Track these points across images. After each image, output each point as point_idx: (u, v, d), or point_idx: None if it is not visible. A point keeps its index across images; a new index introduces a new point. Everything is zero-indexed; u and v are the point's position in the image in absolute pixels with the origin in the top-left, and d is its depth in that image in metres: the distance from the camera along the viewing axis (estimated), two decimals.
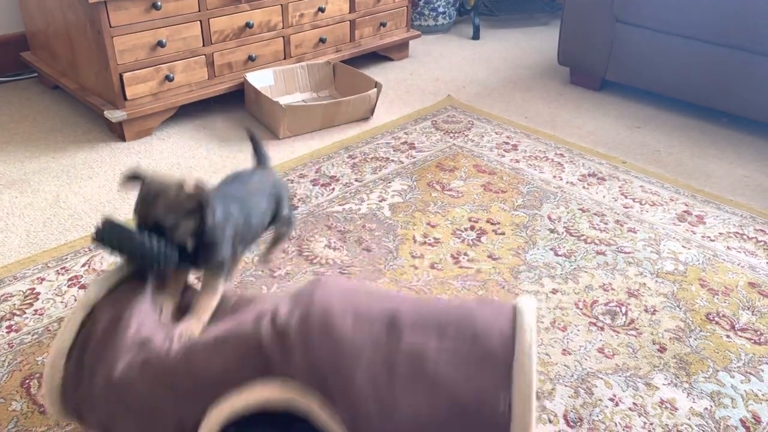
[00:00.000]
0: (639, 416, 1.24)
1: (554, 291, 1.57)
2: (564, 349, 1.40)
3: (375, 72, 2.87)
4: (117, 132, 2.25)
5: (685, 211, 1.91)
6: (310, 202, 1.92)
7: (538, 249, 1.72)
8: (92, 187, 1.97)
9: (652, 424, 1.23)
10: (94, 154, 2.16)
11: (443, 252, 1.71)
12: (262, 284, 1.59)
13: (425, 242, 1.75)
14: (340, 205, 1.91)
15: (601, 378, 1.33)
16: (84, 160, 2.12)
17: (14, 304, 1.50)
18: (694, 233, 1.81)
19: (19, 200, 1.90)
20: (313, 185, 2.01)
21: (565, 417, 1.24)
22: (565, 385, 1.31)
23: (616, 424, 1.23)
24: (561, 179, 2.06)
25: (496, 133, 2.36)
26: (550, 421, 1.23)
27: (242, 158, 2.16)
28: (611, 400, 1.28)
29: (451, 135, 2.34)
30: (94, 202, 1.89)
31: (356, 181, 2.03)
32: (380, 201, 1.93)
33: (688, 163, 2.20)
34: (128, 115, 2.17)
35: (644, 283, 1.60)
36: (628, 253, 1.71)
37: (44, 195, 1.92)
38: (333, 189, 1.99)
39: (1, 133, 2.27)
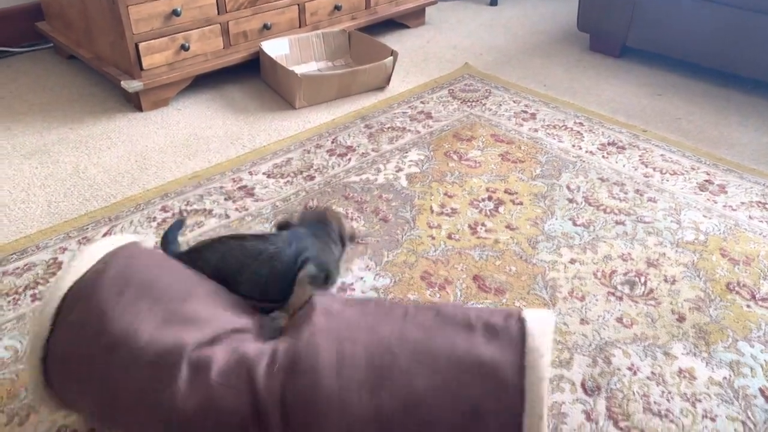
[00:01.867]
0: (657, 385, 1.25)
1: (572, 261, 1.56)
2: (582, 319, 1.40)
3: (391, 40, 2.84)
4: (134, 102, 2.25)
5: (706, 180, 1.88)
6: (326, 173, 1.91)
7: (556, 219, 1.71)
8: (111, 158, 1.98)
9: (670, 392, 1.23)
10: (112, 125, 2.16)
11: (461, 222, 1.71)
12: None
13: (442, 212, 1.74)
14: (356, 175, 1.90)
15: (620, 347, 1.33)
16: (102, 130, 2.13)
17: (38, 274, 1.53)
18: (716, 203, 1.78)
19: (40, 171, 1.91)
20: (330, 155, 2.00)
21: (582, 385, 1.25)
22: (583, 354, 1.31)
23: (634, 392, 1.23)
24: (580, 148, 2.04)
25: (514, 102, 2.33)
26: (568, 390, 1.24)
27: (258, 128, 2.15)
28: (629, 369, 1.28)
29: (469, 104, 2.31)
30: (113, 173, 1.91)
31: (373, 151, 2.03)
32: (397, 171, 1.92)
33: (710, 131, 2.16)
34: (145, 86, 2.17)
35: (664, 253, 1.59)
36: (648, 222, 1.70)
37: (64, 166, 1.94)
38: (349, 159, 1.98)
39: (18, 104, 2.29)
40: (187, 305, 1.06)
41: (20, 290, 1.48)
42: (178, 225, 1.39)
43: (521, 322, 0.97)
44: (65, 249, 1.60)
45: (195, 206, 1.77)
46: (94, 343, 0.99)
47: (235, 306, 1.14)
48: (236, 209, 1.76)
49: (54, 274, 1.53)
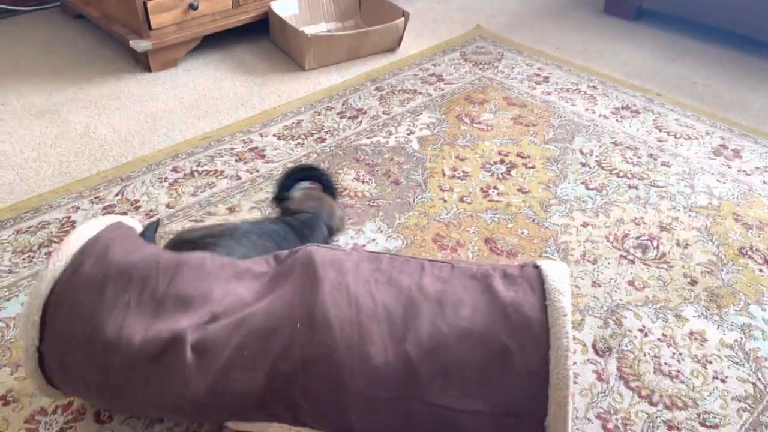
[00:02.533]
0: (668, 347, 1.26)
1: (585, 224, 1.56)
2: (594, 281, 1.40)
3: (401, 1, 2.79)
4: (142, 63, 2.23)
5: (721, 145, 1.86)
6: (337, 135, 1.90)
7: (568, 183, 1.70)
8: (121, 118, 1.97)
9: (681, 354, 1.24)
10: (121, 85, 2.15)
11: (472, 185, 1.70)
12: None
13: (454, 176, 1.74)
14: (367, 138, 1.89)
15: (631, 309, 1.33)
16: (111, 91, 2.12)
17: (51, 232, 1.53)
18: (730, 167, 1.77)
19: (50, 130, 1.91)
20: (341, 118, 1.99)
21: (594, 346, 1.26)
22: (595, 316, 1.32)
23: (645, 354, 1.24)
24: (593, 112, 2.02)
25: (527, 65, 2.29)
26: (580, 351, 1.25)
27: (268, 90, 2.14)
28: (640, 330, 1.29)
29: (481, 66, 2.28)
30: (123, 133, 1.90)
31: (384, 113, 2.01)
32: (408, 134, 1.90)
33: (725, 95, 2.13)
34: (153, 45, 2.14)
35: (677, 217, 1.58)
36: (661, 187, 1.69)
37: (74, 126, 1.93)
38: (360, 122, 1.97)
39: (26, 64, 2.27)
40: (174, 284, 1.00)
41: (35, 248, 1.49)
42: (154, 225, 1.36)
43: (537, 269, 0.98)
44: (78, 208, 1.61)
45: (206, 167, 1.76)
46: (89, 352, 0.96)
47: (230, 270, 1.06)
48: (247, 170, 1.75)
49: (67, 232, 1.54)
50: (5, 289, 1.39)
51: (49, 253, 1.47)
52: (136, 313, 0.97)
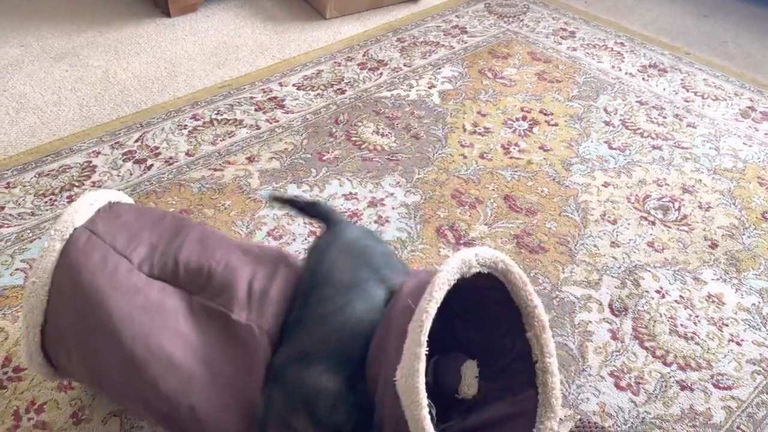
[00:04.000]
0: (685, 308, 1.26)
1: (606, 184, 1.54)
2: (613, 242, 1.40)
3: None
4: (161, 7, 2.19)
5: (749, 107, 1.82)
6: (357, 87, 1.88)
7: (591, 142, 1.68)
8: (140, 64, 1.96)
9: (697, 316, 1.24)
10: (140, 30, 2.12)
11: (493, 142, 1.68)
12: (311, 167, 1.59)
13: (475, 131, 1.72)
14: (388, 90, 1.87)
15: (649, 271, 1.33)
16: (130, 35, 2.09)
17: (73, 176, 1.54)
18: (757, 130, 1.73)
19: (70, 74, 1.90)
20: (361, 69, 1.96)
21: (610, 306, 1.26)
22: (612, 276, 1.32)
23: (661, 314, 1.25)
24: (620, 70, 1.97)
25: (553, 19, 2.23)
26: (596, 309, 1.25)
27: (288, 38, 2.10)
28: (658, 292, 1.29)
29: (505, 19, 2.23)
30: (143, 79, 1.89)
31: (405, 66, 1.98)
32: (429, 87, 1.88)
33: (756, 55, 2.07)
34: None
35: (700, 180, 1.56)
36: (686, 148, 1.66)
37: (94, 70, 1.92)
38: (381, 74, 1.94)
39: (46, 5, 2.24)
40: (181, 249, 1.06)
41: (56, 191, 1.50)
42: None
43: None
44: (98, 153, 1.61)
45: (225, 116, 1.75)
46: (93, 328, 0.99)
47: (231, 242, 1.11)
48: (267, 120, 1.74)
49: (88, 177, 1.55)
50: (28, 231, 1.41)
51: (70, 198, 1.48)
52: (145, 284, 1.02)
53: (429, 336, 1.12)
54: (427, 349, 0.87)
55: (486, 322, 1.06)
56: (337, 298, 0.96)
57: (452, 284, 0.92)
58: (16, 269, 1.33)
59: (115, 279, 1.02)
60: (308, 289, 0.99)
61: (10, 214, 1.44)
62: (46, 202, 1.47)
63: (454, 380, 1.06)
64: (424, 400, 0.84)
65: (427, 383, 1.08)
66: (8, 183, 1.52)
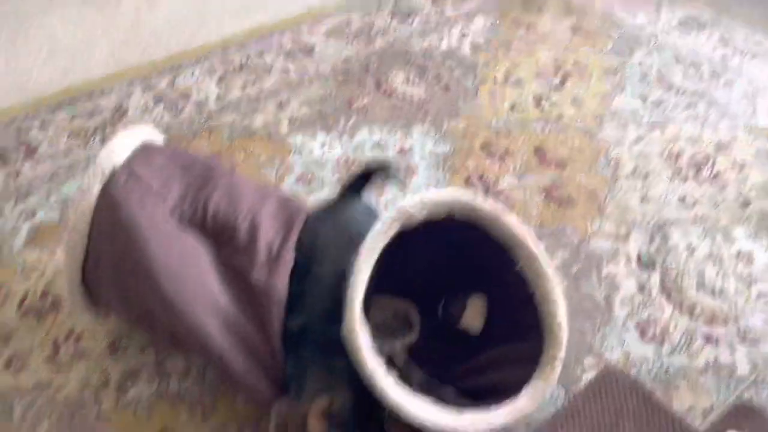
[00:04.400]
0: (713, 265, 1.25)
1: (639, 139, 1.52)
2: (643, 197, 1.39)
3: None
4: None
5: None
6: (387, 36, 1.86)
7: (625, 96, 1.65)
8: (170, 7, 1.94)
9: (726, 273, 1.24)
10: None
11: (525, 94, 1.66)
12: (341, 115, 1.59)
13: (506, 83, 1.69)
14: (419, 40, 1.84)
15: (679, 226, 1.32)
16: None
17: (105, 118, 1.56)
18: None
19: (101, 17, 1.89)
20: (391, 17, 1.93)
21: (638, 259, 1.26)
22: (641, 231, 1.32)
23: (689, 270, 1.24)
24: (656, 24, 1.92)
25: None
26: (623, 263, 1.26)
27: None
28: (687, 248, 1.28)
29: None
30: (173, 23, 1.88)
31: (436, 15, 1.94)
32: (461, 37, 1.85)
33: None
34: None
35: (735, 137, 1.53)
36: (722, 105, 1.63)
37: (124, 12, 1.91)
38: (412, 22, 1.91)
39: None
40: (210, 199, 1.07)
41: (89, 132, 1.52)
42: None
43: None
44: (130, 95, 1.62)
45: (255, 62, 1.75)
46: (131, 269, 1.01)
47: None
48: (296, 68, 1.74)
49: (120, 119, 1.56)
50: (63, 170, 1.43)
51: (103, 139, 1.50)
52: (183, 237, 1.03)
53: (439, 278, 1.13)
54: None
55: (480, 262, 1.07)
56: (331, 275, 0.99)
57: (391, 235, 0.92)
58: (52, 206, 1.36)
59: (152, 223, 1.04)
60: (307, 265, 1.02)
61: (45, 153, 1.47)
62: (79, 143, 1.49)
63: (459, 314, 1.08)
64: (364, 344, 0.85)
65: (435, 321, 1.11)
66: (42, 122, 1.54)
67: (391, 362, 0.93)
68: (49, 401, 1.05)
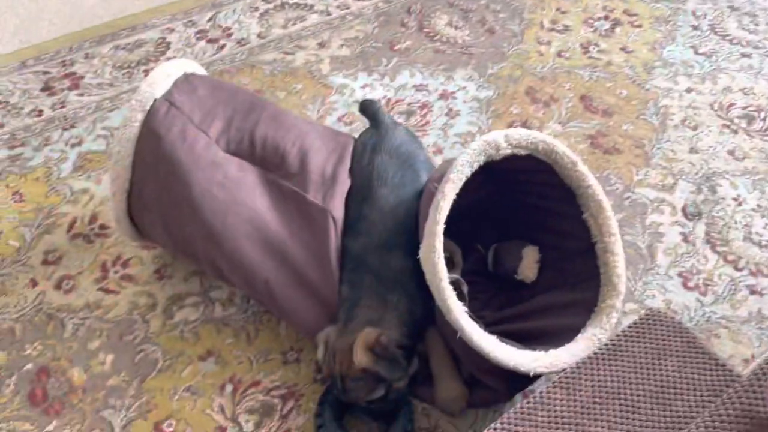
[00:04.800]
0: (762, 217, 1.23)
1: (689, 90, 1.48)
2: (692, 148, 1.36)
3: None
4: None
5: None
6: None
7: (676, 46, 1.60)
8: None
9: None
10: None
11: (572, 40, 1.62)
12: (382, 56, 1.57)
13: (553, 29, 1.65)
14: None
15: (727, 178, 1.30)
16: None
17: (148, 51, 1.56)
18: None
19: None
20: None
21: (683, 210, 1.25)
22: (688, 181, 1.29)
23: (735, 222, 1.22)
24: None
25: None
26: (668, 212, 1.24)
27: None
28: (734, 199, 1.26)
29: None
30: None
31: None
32: None
33: None
34: None
35: None
36: None
37: None
38: None
39: None
40: (256, 126, 1.08)
41: (133, 65, 1.52)
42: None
43: None
44: (172, 30, 1.62)
45: (296, 0, 1.72)
46: (174, 200, 1.03)
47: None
48: (338, 7, 1.71)
49: (163, 53, 1.56)
50: (108, 101, 1.44)
51: (147, 72, 1.50)
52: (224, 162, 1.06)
53: (490, 223, 1.14)
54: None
55: (544, 207, 1.07)
56: (392, 196, 1.02)
57: (476, 166, 0.92)
58: (98, 136, 1.38)
59: (194, 153, 1.05)
60: (365, 187, 1.03)
61: (90, 84, 1.48)
62: (123, 74, 1.50)
63: (513, 263, 1.08)
64: (444, 272, 0.87)
65: (480, 268, 1.12)
66: (87, 54, 1.55)
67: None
68: (99, 321, 1.09)
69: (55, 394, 1.00)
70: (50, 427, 0.96)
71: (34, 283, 1.14)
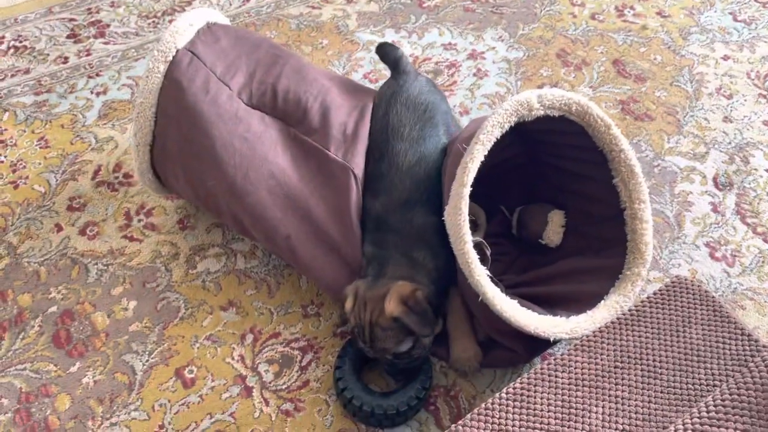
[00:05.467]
0: None
1: (726, 57, 1.44)
2: (726, 117, 1.32)
3: None
4: None
5: None
6: None
7: (715, 11, 1.54)
8: None
9: None
10: None
11: (607, 2, 1.57)
12: (411, 13, 1.54)
13: None
14: None
15: (761, 149, 1.26)
16: None
17: (174, 1, 1.54)
18: None
19: None
20: None
21: (714, 180, 1.22)
22: (721, 151, 1.26)
23: None
24: None
25: None
26: (698, 182, 1.21)
27: None
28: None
29: None
30: None
31: None
32: None
33: None
34: None
35: None
36: None
37: None
38: None
39: None
40: (279, 79, 1.07)
41: (158, 15, 1.50)
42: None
43: None
44: None
45: None
46: (197, 152, 1.03)
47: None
48: None
49: (189, 3, 1.54)
50: (133, 50, 1.43)
51: (172, 21, 1.48)
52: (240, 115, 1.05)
53: (517, 184, 1.12)
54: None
55: (574, 170, 1.04)
56: (410, 152, 1.00)
57: (507, 127, 0.89)
58: (123, 85, 1.37)
59: (216, 105, 1.03)
60: (382, 143, 1.01)
61: (116, 32, 1.47)
62: (149, 23, 1.48)
63: (539, 227, 1.06)
64: (468, 235, 0.85)
65: (504, 230, 1.10)
66: (112, 2, 1.53)
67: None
68: (123, 268, 1.10)
69: (78, 336, 1.01)
70: (73, 369, 0.98)
71: (59, 228, 1.15)
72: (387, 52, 1.14)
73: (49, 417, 0.93)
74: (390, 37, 1.49)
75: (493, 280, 0.88)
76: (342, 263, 0.97)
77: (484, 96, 1.37)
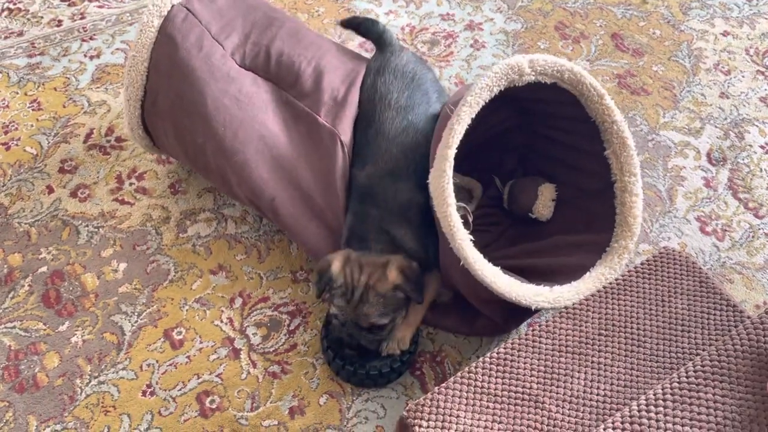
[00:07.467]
0: None
1: (725, 33, 1.42)
2: (722, 93, 1.31)
3: None
4: None
5: None
6: None
7: None
8: None
9: None
10: None
11: None
12: None
13: None
14: None
15: (757, 125, 1.26)
16: None
17: None
18: None
19: None
20: None
21: (708, 155, 1.21)
22: (716, 126, 1.26)
23: (761, 170, 1.19)
24: None
25: None
26: (692, 157, 1.21)
27: None
28: (762, 147, 1.23)
29: None
30: None
31: None
32: None
33: None
34: None
35: None
36: None
37: None
38: None
39: None
40: (273, 41, 1.06)
41: None
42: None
43: None
44: None
45: None
46: (188, 109, 1.02)
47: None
48: None
49: None
50: (128, 14, 1.42)
51: None
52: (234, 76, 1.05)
53: (510, 159, 1.11)
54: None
55: (566, 142, 1.04)
56: (397, 119, 0.99)
57: (497, 91, 0.88)
58: (117, 48, 1.36)
59: (209, 64, 1.03)
60: (370, 111, 1.01)
61: None
62: None
63: (529, 200, 1.06)
64: (452, 198, 0.85)
65: (497, 201, 1.10)
66: None
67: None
68: (113, 230, 1.10)
69: (68, 297, 1.02)
70: (62, 328, 0.99)
71: (50, 190, 1.15)
72: (368, 29, 1.13)
73: (37, 374, 0.94)
74: (387, 6, 1.48)
75: (476, 247, 0.87)
76: (325, 229, 0.97)
77: (481, 68, 1.36)
